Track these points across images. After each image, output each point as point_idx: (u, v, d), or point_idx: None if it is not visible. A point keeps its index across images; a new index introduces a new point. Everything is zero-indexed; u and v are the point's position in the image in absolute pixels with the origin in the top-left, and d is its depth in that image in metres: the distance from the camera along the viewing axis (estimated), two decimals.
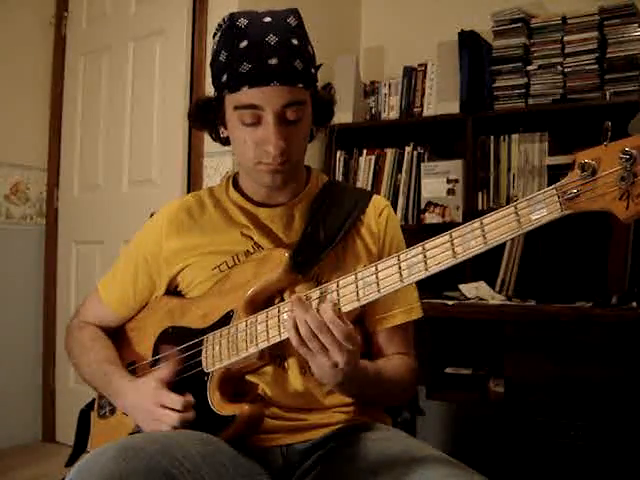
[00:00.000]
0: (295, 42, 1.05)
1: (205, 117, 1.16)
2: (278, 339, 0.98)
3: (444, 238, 0.84)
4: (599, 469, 1.90)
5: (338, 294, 0.92)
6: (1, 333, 2.83)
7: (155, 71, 2.73)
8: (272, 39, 1.02)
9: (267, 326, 1.00)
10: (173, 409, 1.03)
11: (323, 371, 0.93)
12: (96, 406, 1.27)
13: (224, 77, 1.06)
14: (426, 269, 0.85)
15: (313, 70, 1.10)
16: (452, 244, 0.83)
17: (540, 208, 0.77)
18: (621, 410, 1.89)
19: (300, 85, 1.05)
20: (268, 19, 1.05)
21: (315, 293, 0.95)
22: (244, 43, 1.03)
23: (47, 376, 3.01)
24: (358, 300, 0.91)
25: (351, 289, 0.92)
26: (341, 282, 0.93)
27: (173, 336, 1.16)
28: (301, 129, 1.09)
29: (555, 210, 0.76)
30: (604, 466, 1.90)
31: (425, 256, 0.85)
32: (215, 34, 1.11)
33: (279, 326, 0.98)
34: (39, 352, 3.01)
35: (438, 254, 0.84)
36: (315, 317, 0.90)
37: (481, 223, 0.81)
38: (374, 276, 0.90)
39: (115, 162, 2.85)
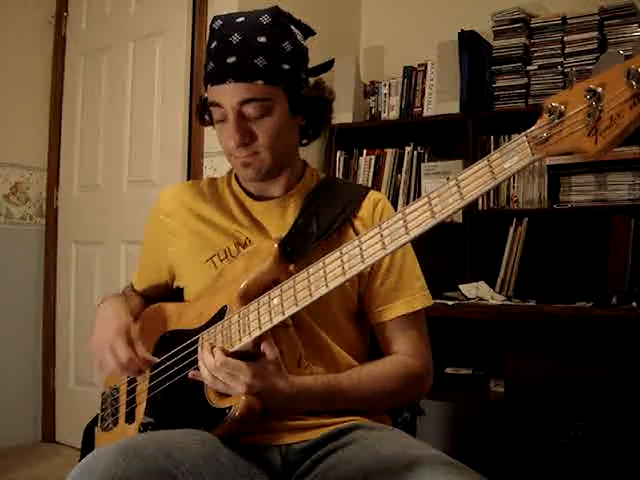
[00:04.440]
0: (261, 40, 1.07)
1: (204, 113, 1.20)
2: (270, 325, 0.99)
3: (423, 200, 0.85)
4: (599, 469, 1.90)
5: (325, 271, 0.93)
6: (1, 333, 2.83)
7: (155, 71, 2.72)
8: (235, 38, 1.07)
9: (259, 314, 1.00)
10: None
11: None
12: (99, 420, 1.27)
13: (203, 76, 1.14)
14: (407, 233, 0.86)
15: (287, 66, 1.10)
16: (430, 205, 0.84)
17: (512, 156, 0.78)
18: (621, 410, 1.89)
19: (259, 82, 1.07)
20: (241, 19, 1.10)
21: (302, 276, 0.96)
22: (214, 44, 1.11)
23: (47, 376, 3.01)
24: (344, 274, 0.91)
25: (336, 264, 0.92)
26: (327, 260, 0.94)
27: (171, 340, 1.16)
28: (269, 124, 1.10)
29: (526, 156, 0.77)
30: (604, 466, 1.90)
31: (405, 220, 0.86)
32: None
33: (270, 312, 0.99)
34: (39, 352, 3.01)
35: (418, 216, 0.85)
36: (210, 362, 1.00)
37: (457, 180, 0.82)
38: (358, 248, 0.90)
39: (115, 162, 2.85)
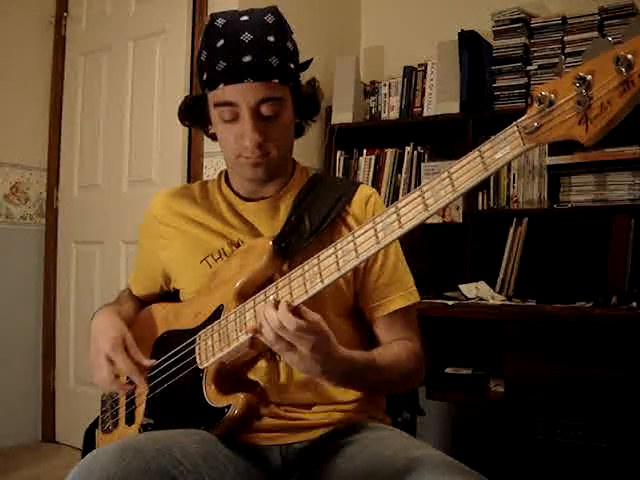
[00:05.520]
0: (271, 39, 1.08)
1: (194, 114, 1.20)
2: None
3: (415, 194, 0.84)
4: (599, 469, 1.90)
5: (319, 267, 0.93)
6: (1, 333, 2.83)
7: (155, 71, 2.73)
8: (247, 37, 1.06)
9: (255, 312, 1.00)
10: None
11: (297, 365, 0.94)
12: (100, 422, 1.28)
13: (204, 76, 1.11)
14: (400, 227, 0.85)
15: (292, 65, 1.11)
16: (423, 198, 0.83)
17: (503, 147, 0.77)
18: (621, 410, 1.89)
19: (275, 81, 1.08)
20: (245, 18, 1.09)
21: (297, 273, 0.96)
22: (221, 42, 1.08)
23: (47, 376, 3.01)
24: (339, 270, 0.91)
25: (331, 260, 0.92)
26: (321, 256, 0.94)
27: (168, 340, 1.16)
28: (280, 124, 1.11)
29: (517, 146, 0.77)
30: (604, 466, 1.90)
31: (399, 214, 0.85)
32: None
33: None
34: (39, 352, 3.01)
35: (411, 210, 0.84)
36: (273, 319, 0.91)
37: (449, 172, 0.82)
38: (352, 243, 0.90)
39: (115, 162, 2.85)
